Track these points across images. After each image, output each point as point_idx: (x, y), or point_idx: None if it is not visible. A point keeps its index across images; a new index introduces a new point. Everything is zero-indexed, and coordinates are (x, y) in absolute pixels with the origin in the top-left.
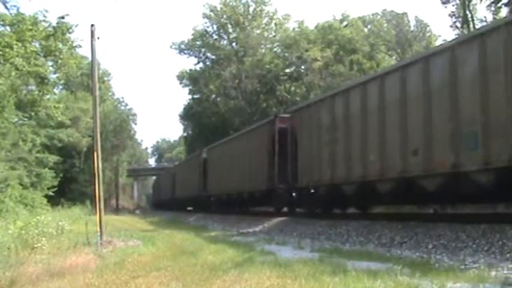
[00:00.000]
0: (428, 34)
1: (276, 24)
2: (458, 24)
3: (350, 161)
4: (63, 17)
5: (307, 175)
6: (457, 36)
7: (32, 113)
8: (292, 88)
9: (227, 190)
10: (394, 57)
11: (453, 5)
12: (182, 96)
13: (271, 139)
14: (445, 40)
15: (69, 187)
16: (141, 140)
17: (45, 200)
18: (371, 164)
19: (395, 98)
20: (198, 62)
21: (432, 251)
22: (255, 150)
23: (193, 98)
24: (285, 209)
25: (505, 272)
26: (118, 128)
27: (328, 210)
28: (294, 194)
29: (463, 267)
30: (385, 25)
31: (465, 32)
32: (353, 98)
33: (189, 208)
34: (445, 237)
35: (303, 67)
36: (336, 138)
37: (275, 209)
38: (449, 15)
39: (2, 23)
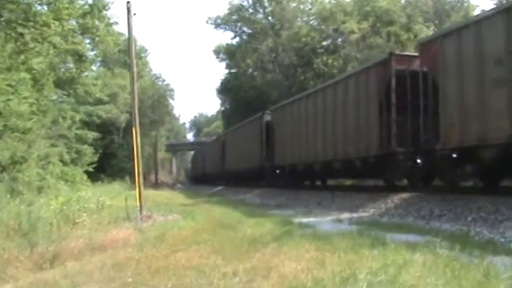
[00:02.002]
0: (466, 4)
1: None
2: None
3: None
4: None
5: (457, 132)
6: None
7: (71, 91)
8: (329, 61)
9: (304, 159)
10: (431, 28)
11: None
12: (219, 71)
13: (383, 86)
14: (483, 10)
15: (109, 163)
16: (179, 115)
17: (85, 176)
18: None
19: None
20: (235, 37)
21: (471, 223)
22: (353, 103)
23: (230, 73)
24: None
25: None
26: (156, 103)
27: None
28: (418, 161)
29: (503, 240)
30: None
31: (504, 1)
32: None
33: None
34: (484, 209)
35: (339, 40)
36: None
37: (388, 182)
38: None
39: (39, 2)
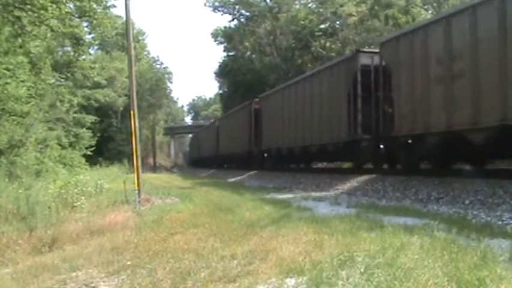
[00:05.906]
0: None
1: None
2: None
3: None
4: None
5: None
6: None
7: (69, 74)
8: (327, 44)
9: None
10: (430, 12)
11: None
12: (217, 54)
13: None
14: None
15: (107, 146)
16: (177, 98)
17: (83, 160)
18: None
19: None
20: (233, 19)
21: (469, 206)
22: None
23: (228, 55)
24: None
25: None
26: (154, 86)
27: None
28: None
29: (500, 223)
30: None
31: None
32: None
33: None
34: (482, 193)
35: (337, 23)
36: None
37: None
38: None
39: None
